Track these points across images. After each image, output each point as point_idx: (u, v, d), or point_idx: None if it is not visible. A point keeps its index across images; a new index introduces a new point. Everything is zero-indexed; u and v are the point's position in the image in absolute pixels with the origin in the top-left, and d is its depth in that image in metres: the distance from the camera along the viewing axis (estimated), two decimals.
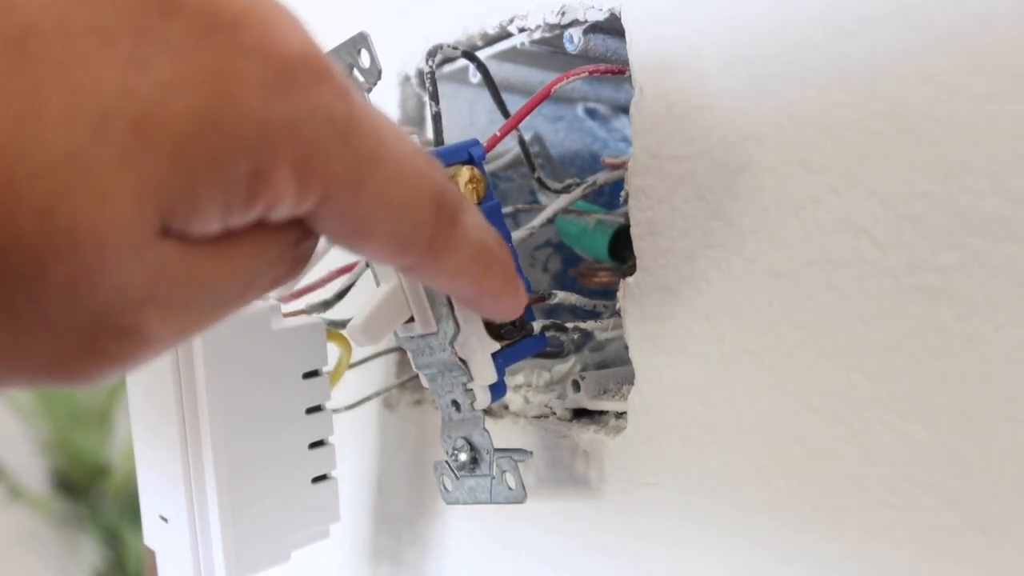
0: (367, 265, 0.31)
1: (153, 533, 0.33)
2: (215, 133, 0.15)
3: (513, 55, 0.37)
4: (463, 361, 0.28)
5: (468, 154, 0.28)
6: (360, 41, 0.27)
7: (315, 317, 0.33)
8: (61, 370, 0.15)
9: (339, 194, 0.17)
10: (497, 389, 0.29)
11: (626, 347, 0.31)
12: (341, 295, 0.35)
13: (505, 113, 0.34)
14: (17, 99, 0.13)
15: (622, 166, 0.31)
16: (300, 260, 0.19)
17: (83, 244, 0.14)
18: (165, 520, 0.32)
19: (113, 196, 0.14)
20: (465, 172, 0.28)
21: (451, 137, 0.35)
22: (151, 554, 0.33)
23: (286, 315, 0.33)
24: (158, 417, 0.31)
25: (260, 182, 0.16)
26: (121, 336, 0.15)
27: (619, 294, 0.31)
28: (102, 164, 0.14)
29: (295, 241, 0.18)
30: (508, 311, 0.24)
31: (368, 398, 0.40)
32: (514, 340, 0.29)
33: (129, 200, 0.14)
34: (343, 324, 0.34)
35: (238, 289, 0.17)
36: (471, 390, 0.29)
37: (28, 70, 0.13)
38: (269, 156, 0.16)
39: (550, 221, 0.34)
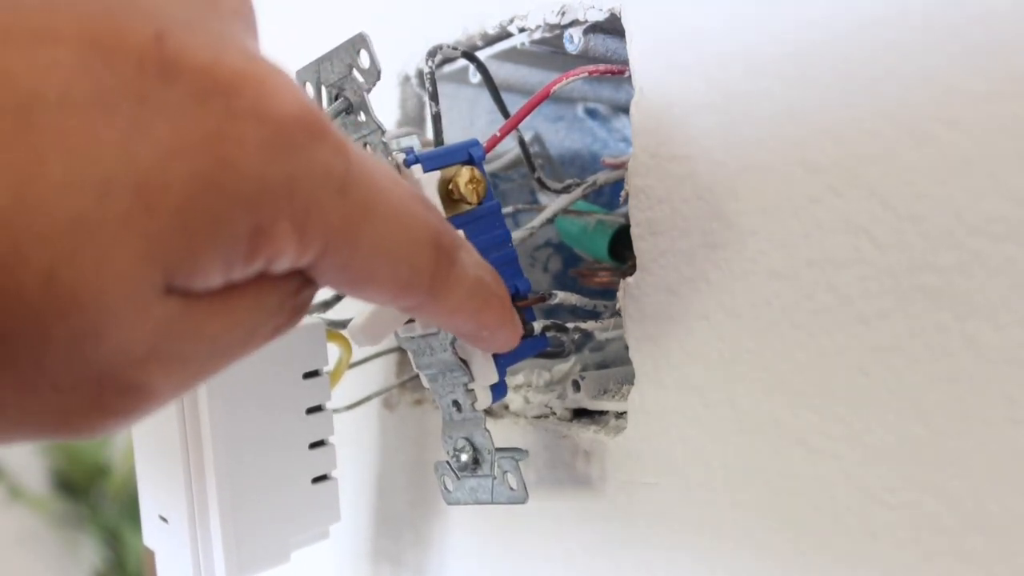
0: None
1: (153, 533, 0.33)
2: (215, 195, 0.15)
3: (513, 55, 0.37)
4: (464, 361, 0.28)
5: (468, 154, 0.28)
6: (359, 42, 0.27)
7: (315, 317, 0.33)
8: (65, 426, 0.16)
9: (338, 245, 0.18)
10: (498, 389, 0.29)
11: (626, 347, 0.31)
12: (341, 295, 0.35)
13: (505, 113, 0.34)
14: (21, 166, 0.14)
15: (622, 166, 0.31)
16: (300, 308, 0.19)
17: (87, 305, 0.14)
18: (165, 520, 0.32)
19: (117, 259, 0.14)
20: (465, 172, 0.28)
21: (451, 137, 0.35)
22: (151, 554, 0.33)
23: None
24: (158, 417, 0.31)
25: (261, 238, 0.16)
26: (125, 392, 0.16)
27: (619, 294, 0.31)
28: (106, 228, 0.14)
29: (295, 290, 0.18)
30: (505, 344, 0.25)
31: (368, 398, 0.40)
32: None
33: (133, 262, 0.15)
34: (343, 324, 0.34)
35: (240, 340, 0.18)
36: (472, 390, 0.29)
37: (31, 138, 0.14)
38: (269, 213, 0.16)
39: (550, 221, 0.34)
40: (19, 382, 0.15)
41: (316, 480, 0.33)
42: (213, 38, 0.16)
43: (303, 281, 0.19)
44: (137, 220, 0.15)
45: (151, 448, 0.32)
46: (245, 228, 0.16)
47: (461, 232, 0.28)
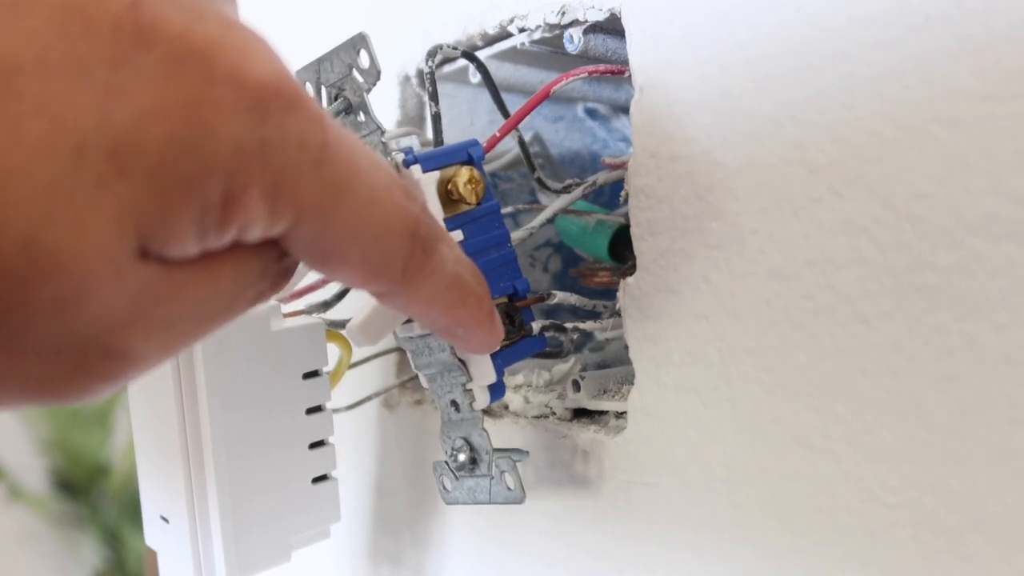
0: None
1: (154, 533, 0.33)
2: (188, 159, 0.15)
3: (513, 55, 0.37)
4: (462, 361, 0.28)
5: (467, 154, 0.28)
6: (359, 42, 0.27)
7: (315, 317, 0.33)
8: (50, 390, 0.16)
9: (310, 219, 0.18)
10: (496, 389, 0.29)
11: (626, 347, 0.31)
12: (341, 295, 0.35)
13: (505, 113, 0.34)
14: None
15: (622, 166, 0.31)
16: (284, 274, 0.19)
17: (67, 267, 0.15)
18: (166, 520, 0.32)
19: (92, 221, 0.15)
20: (464, 172, 0.28)
21: (451, 137, 0.35)
22: (151, 554, 0.33)
23: (286, 315, 0.33)
24: (159, 417, 0.31)
25: (232, 206, 0.16)
26: (108, 356, 0.16)
27: (619, 294, 0.31)
28: (81, 191, 0.15)
29: (277, 257, 0.19)
30: (481, 344, 0.25)
31: (368, 398, 0.40)
32: (513, 340, 0.29)
33: (108, 224, 0.15)
34: (343, 324, 0.34)
35: (223, 305, 0.18)
36: (470, 390, 0.29)
37: (9, 104, 0.14)
38: (241, 181, 0.16)
39: (550, 221, 0.34)
40: (2, 346, 0.15)
41: (316, 480, 0.33)
42: (189, 5, 0.16)
43: (284, 250, 0.19)
44: (111, 183, 0.15)
45: (152, 448, 0.32)
46: (217, 194, 0.16)
47: (445, 226, 0.27)
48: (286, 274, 0.19)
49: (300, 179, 0.17)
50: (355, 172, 0.18)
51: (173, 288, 0.17)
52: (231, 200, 0.16)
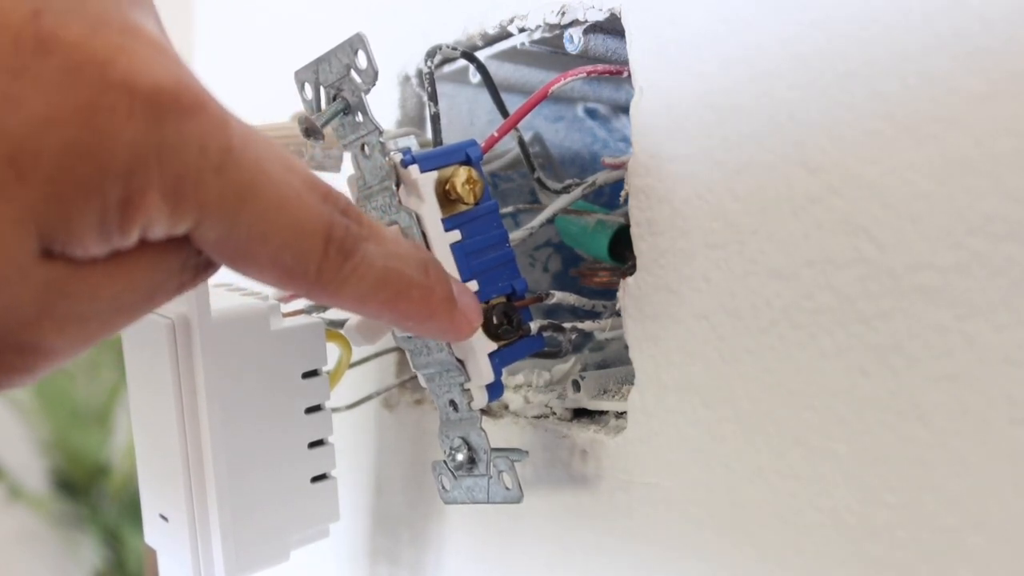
0: None
1: (153, 532, 0.33)
2: (85, 164, 0.16)
3: (513, 55, 0.37)
4: (460, 361, 0.28)
5: (465, 155, 0.28)
6: (357, 42, 0.27)
7: (315, 317, 0.33)
8: None
9: (213, 221, 0.18)
10: (494, 389, 0.29)
11: (626, 347, 0.31)
12: None
13: (504, 113, 0.34)
14: None
15: (622, 166, 0.31)
16: (206, 266, 0.20)
17: None
18: (165, 519, 0.32)
19: None
20: (462, 173, 0.28)
21: (451, 137, 0.35)
22: (151, 554, 0.33)
23: (286, 315, 0.33)
24: (158, 416, 0.31)
25: (131, 207, 0.17)
26: (22, 351, 0.17)
27: (619, 294, 0.31)
28: None
29: (197, 251, 0.19)
30: (444, 333, 0.25)
31: (368, 398, 0.40)
32: (511, 340, 0.29)
33: (8, 227, 0.16)
34: (343, 324, 0.34)
35: (141, 297, 0.19)
36: (468, 390, 0.29)
37: None
38: (139, 183, 0.17)
39: (550, 221, 0.34)
40: None
41: (315, 479, 0.33)
42: (91, 15, 0.16)
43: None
44: (10, 188, 0.16)
45: (151, 447, 0.32)
46: (116, 197, 0.17)
47: (443, 226, 0.27)
48: (209, 265, 0.20)
49: (201, 182, 0.18)
50: (261, 175, 0.19)
51: (84, 285, 0.17)
52: (129, 202, 0.17)
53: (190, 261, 0.19)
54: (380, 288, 0.22)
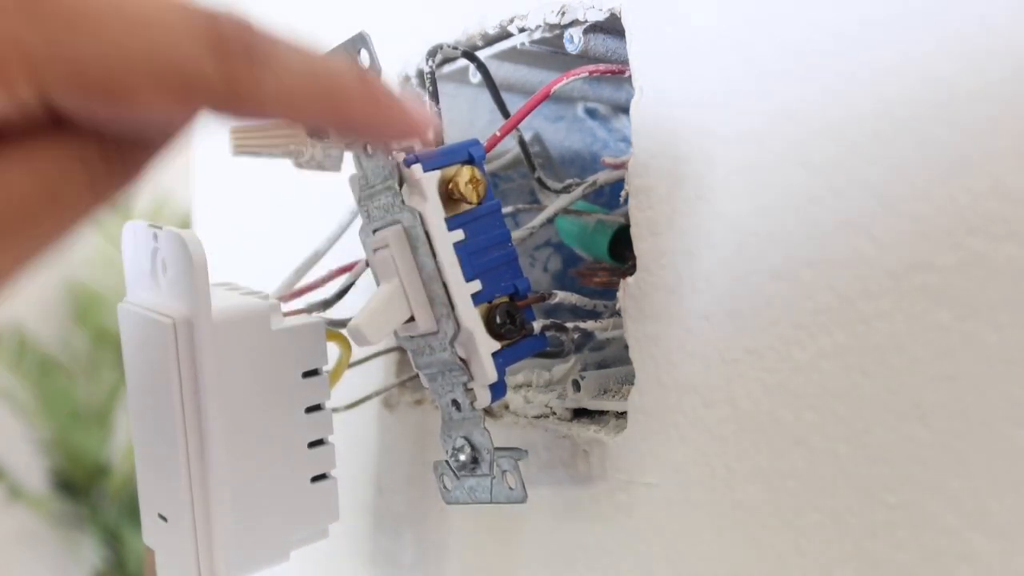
0: (367, 264, 0.31)
1: (153, 531, 0.33)
2: None
3: (513, 55, 0.37)
4: (463, 361, 0.28)
5: (468, 154, 0.28)
6: (360, 41, 0.27)
7: (315, 316, 0.33)
8: None
9: (47, 69, 0.16)
10: (497, 389, 0.29)
11: (626, 347, 0.31)
12: (341, 294, 0.35)
13: (505, 113, 0.34)
14: None
15: (622, 166, 0.31)
16: (120, 171, 0.18)
17: None
18: (164, 519, 0.32)
19: None
20: (465, 172, 0.28)
21: (451, 137, 0.35)
22: (151, 554, 0.34)
23: (286, 314, 0.33)
24: (158, 416, 0.31)
25: None
26: None
27: (619, 294, 0.31)
28: None
29: (97, 140, 0.18)
30: (399, 131, 0.22)
31: (368, 398, 0.40)
32: (514, 340, 0.29)
33: None
34: (343, 324, 0.34)
35: (46, 197, 0.17)
36: (471, 390, 0.29)
37: None
38: None
39: (550, 221, 0.34)
40: None
41: (315, 479, 0.33)
42: None
43: (114, 136, 0.18)
44: None
45: (150, 446, 0.32)
46: None
47: (446, 226, 0.27)
48: (123, 170, 0.18)
49: (15, 32, 0.16)
50: (91, 4, 0.17)
51: None
52: None
53: (88, 151, 0.17)
54: (311, 86, 0.19)
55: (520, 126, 0.33)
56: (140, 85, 0.17)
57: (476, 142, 0.29)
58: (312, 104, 0.20)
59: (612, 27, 0.31)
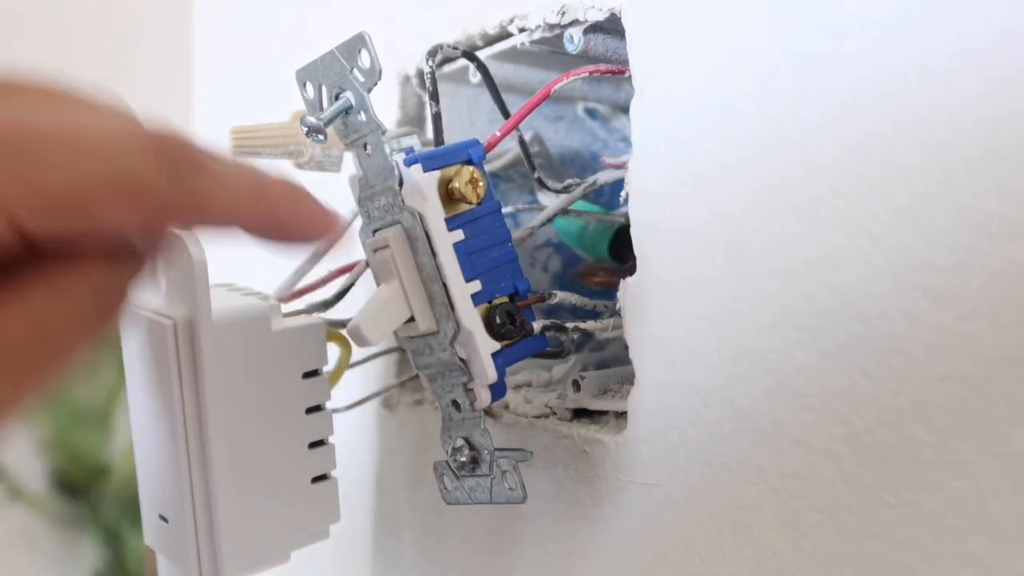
0: (367, 265, 0.31)
1: (153, 532, 0.33)
2: None
3: (513, 55, 0.37)
4: (463, 361, 0.28)
5: (468, 154, 0.28)
6: (360, 42, 0.27)
7: (315, 317, 0.33)
8: None
9: (15, 200, 0.17)
10: (497, 389, 0.29)
11: (626, 347, 0.31)
12: (341, 295, 0.35)
13: (505, 113, 0.34)
14: None
15: (622, 166, 0.31)
16: (107, 300, 0.20)
17: None
18: (165, 520, 0.32)
19: None
20: (465, 172, 0.28)
21: (451, 137, 0.35)
22: (151, 554, 0.33)
23: (286, 315, 0.33)
24: (158, 416, 0.31)
25: None
26: None
27: (619, 294, 0.31)
28: None
29: (80, 274, 0.19)
30: (318, 230, 0.24)
31: (368, 398, 0.40)
32: (514, 340, 0.29)
33: None
34: (343, 324, 0.34)
35: (38, 338, 0.18)
36: (471, 390, 0.29)
37: None
38: None
39: (550, 221, 0.34)
40: None
41: (316, 480, 0.33)
42: None
43: (102, 265, 0.19)
44: None
45: (150, 447, 0.32)
46: None
47: (446, 226, 0.27)
48: (104, 282, 0.19)
49: None
50: (31, 127, 0.18)
51: None
52: None
53: (69, 284, 0.19)
54: (252, 193, 0.21)
55: (520, 126, 0.33)
56: (102, 197, 0.18)
57: (476, 142, 0.29)
58: (251, 203, 0.22)
59: (612, 27, 0.31)
